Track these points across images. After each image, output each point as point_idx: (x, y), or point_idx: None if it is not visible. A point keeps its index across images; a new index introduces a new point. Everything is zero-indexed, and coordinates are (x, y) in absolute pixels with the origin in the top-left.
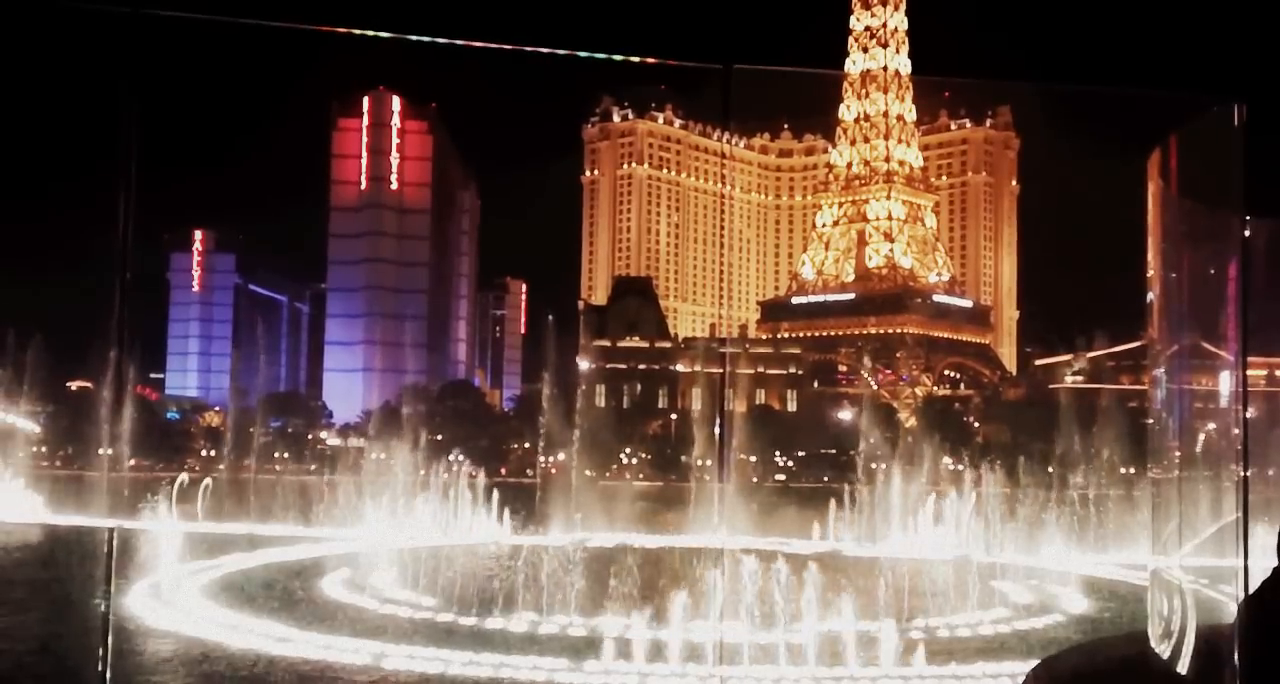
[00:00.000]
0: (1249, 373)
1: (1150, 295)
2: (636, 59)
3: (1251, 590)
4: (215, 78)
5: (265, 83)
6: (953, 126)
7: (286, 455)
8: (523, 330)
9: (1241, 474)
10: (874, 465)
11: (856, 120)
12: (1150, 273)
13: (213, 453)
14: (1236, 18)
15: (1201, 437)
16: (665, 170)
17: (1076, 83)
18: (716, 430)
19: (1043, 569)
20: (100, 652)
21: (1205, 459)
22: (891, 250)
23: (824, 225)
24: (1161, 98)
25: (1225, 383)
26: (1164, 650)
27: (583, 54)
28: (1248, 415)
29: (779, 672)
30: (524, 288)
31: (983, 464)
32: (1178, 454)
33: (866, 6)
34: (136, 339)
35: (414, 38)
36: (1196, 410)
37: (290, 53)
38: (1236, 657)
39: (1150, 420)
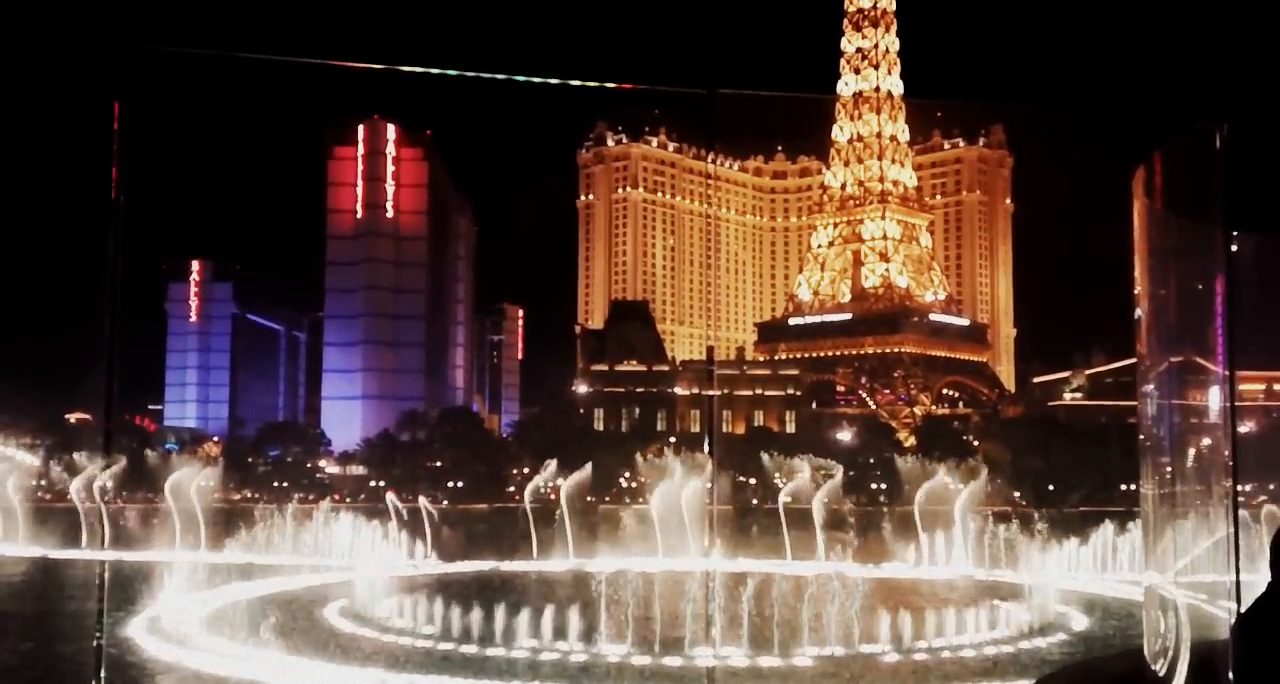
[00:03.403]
0: (1244, 387)
1: (1138, 312)
2: (625, 86)
3: (1246, 606)
4: (211, 109)
5: (261, 113)
6: (946, 146)
7: (285, 484)
8: (520, 355)
9: (1232, 488)
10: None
11: (850, 141)
12: (1137, 289)
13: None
14: (1221, 38)
15: (1193, 452)
16: (660, 193)
17: (1065, 102)
18: (707, 451)
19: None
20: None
21: (1198, 474)
22: (887, 270)
23: (819, 246)
24: (1151, 116)
25: (1214, 397)
26: (1159, 667)
27: (575, 83)
28: (1244, 430)
29: None
30: (521, 313)
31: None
32: (1169, 470)
33: (857, 28)
34: (134, 370)
35: (406, 69)
36: (1188, 426)
37: (286, 83)
38: (1231, 673)
39: (1141, 436)
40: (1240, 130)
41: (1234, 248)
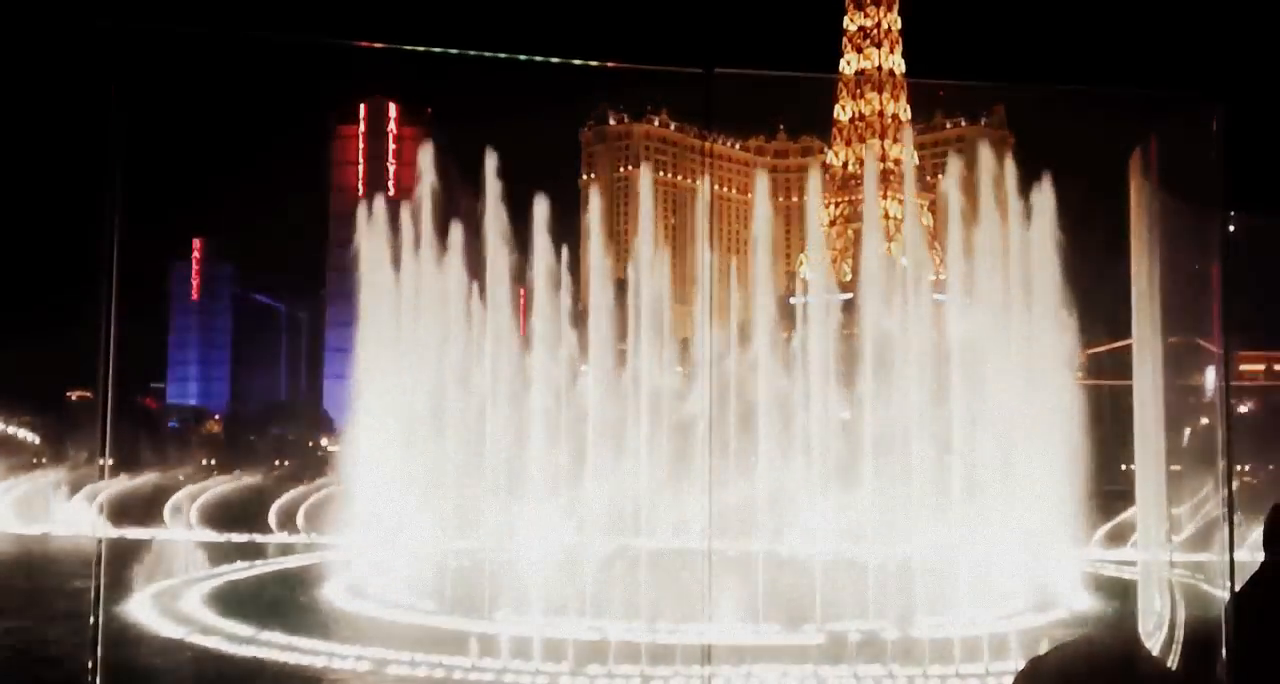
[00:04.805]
0: (1244, 367)
1: (1134, 292)
2: (623, 66)
3: (1240, 584)
4: (211, 88)
5: (262, 92)
6: (948, 125)
7: (287, 462)
8: (522, 333)
9: (1227, 468)
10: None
11: (852, 120)
12: (1134, 269)
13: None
14: (1218, 22)
15: (1188, 431)
16: (662, 172)
17: (1064, 83)
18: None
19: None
20: (90, 664)
21: (1191, 453)
22: (889, 249)
23: (821, 225)
24: (1149, 97)
25: (1209, 377)
26: (1154, 645)
27: (577, 62)
28: (1244, 410)
29: (771, 672)
30: (522, 292)
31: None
32: (1164, 450)
33: (860, 7)
34: (136, 349)
35: (406, 47)
36: (1184, 405)
37: (287, 62)
38: (1225, 650)
39: (1138, 417)
40: (1237, 112)
41: (1231, 229)
